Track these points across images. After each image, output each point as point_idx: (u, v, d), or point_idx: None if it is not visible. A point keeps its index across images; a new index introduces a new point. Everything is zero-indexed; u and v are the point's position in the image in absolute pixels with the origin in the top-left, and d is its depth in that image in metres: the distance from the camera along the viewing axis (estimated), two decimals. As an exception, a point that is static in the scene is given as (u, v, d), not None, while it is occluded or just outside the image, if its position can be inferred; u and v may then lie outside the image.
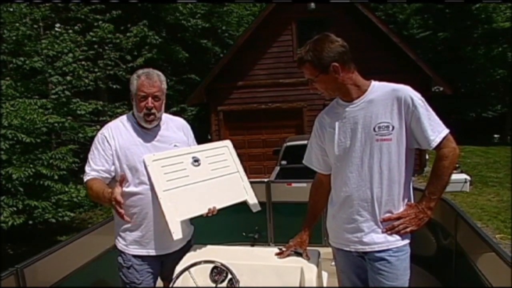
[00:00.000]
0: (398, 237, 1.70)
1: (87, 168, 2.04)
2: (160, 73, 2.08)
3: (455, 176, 9.02)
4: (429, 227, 3.34)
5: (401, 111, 1.66)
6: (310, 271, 1.85)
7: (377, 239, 1.71)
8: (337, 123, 1.76)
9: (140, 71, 2.06)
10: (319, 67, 1.68)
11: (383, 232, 1.70)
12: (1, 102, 6.59)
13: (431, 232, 3.26)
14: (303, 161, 1.97)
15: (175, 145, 2.10)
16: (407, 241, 1.73)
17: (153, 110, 2.01)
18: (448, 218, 2.96)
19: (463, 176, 9.14)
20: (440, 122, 1.69)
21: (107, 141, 2.03)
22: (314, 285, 1.79)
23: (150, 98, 1.99)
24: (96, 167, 2.02)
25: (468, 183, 9.06)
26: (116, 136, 2.05)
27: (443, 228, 3.06)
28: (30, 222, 6.92)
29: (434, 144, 1.66)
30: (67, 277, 2.57)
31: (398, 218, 1.70)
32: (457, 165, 10.10)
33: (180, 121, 2.29)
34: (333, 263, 3.25)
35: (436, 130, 1.66)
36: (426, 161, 10.81)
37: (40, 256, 2.49)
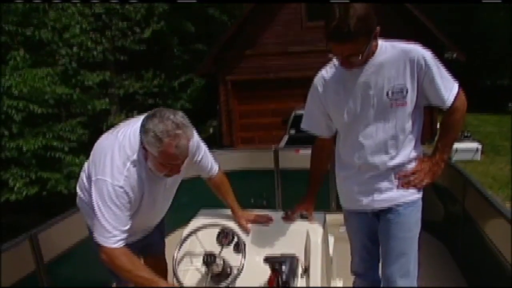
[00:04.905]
0: (412, 191, 1.70)
1: (109, 227, 1.57)
2: (187, 130, 1.53)
3: (466, 145, 8.90)
4: (436, 193, 3.33)
5: (413, 72, 1.59)
6: (316, 234, 1.86)
7: (393, 196, 1.70)
8: (344, 88, 1.66)
9: (162, 130, 1.48)
10: (369, 37, 1.51)
11: (398, 188, 1.70)
12: (9, 74, 6.61)
13: (438, 198, 3.25)
14: (301, 126, 1.90)
15: None
16: (420, 195, 1.73)
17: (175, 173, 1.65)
18: (456, 184, 2.93)
19: (475, 144, 9.02)
20: (450, 77, 1.64)
21: (127, 196, 1.61)
22: (320, 248, 1.80)
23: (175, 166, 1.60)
24: (123, 228, 1.61)
25: (479, 152, 8.95)
26: (132, 189, 1.63)
27: (451, 194, 3.04)
28: (44, 193, 7.11)
29: (449, 103, 1.62)
30: (80, 243, 2.64)
31: (413, 174, 1.69)
32: (468, 134, 9.97)
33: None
34: (341, 229, 3.25)
35: (448, 88, 1.62)
36: (436, 129, 10.67)
37: (53, 222, 2.56)
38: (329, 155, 1.90)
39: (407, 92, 1.60)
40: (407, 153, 1.68)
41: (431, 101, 1.65)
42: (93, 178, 1.61)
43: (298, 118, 7.76)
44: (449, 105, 1.62)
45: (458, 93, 1.64)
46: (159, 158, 1.54)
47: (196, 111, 12.06)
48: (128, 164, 1.59)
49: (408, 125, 1.65)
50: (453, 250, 3.07)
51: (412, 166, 1.71)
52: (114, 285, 2.22)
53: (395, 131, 1.64)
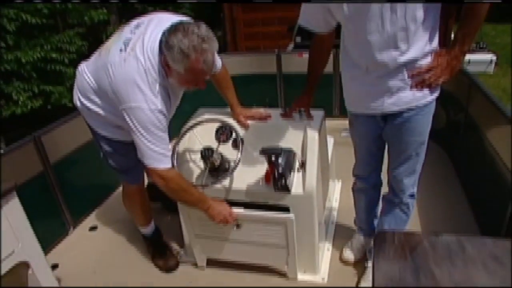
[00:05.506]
0: (426, 92, 1.56)
1: (159, 150, 1.61)
2: (213, 43, 1.49)
3: (479, 56, 8.54)
4: (439, 97, 3.22)
5: None
6: (313, 129, 1.85)
7: (405, 98, 1.55)
8: None
9: (189, 46, 1.43)
10: None
11: (411, 89, 1.54)
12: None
13: (441, 102, 3.17)
14: (299, 22, 1.70)
15: None
16: (435, 96, 1.59)
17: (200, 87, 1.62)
18: (461, 87, 2.84)
19: (489, 56, 8.64)
20: None
21: (165, 116, 1.63)
22: (317, 143, 1.80)
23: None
24: (169, 146, 1.69)
25: (493, 64, 8.61)
26: (166, 107, 1.64)
27: (455, 98, 2.96)
28: (49, 106, 7.16)
29: None
30: (84, 145, 2.70)
31: (428, 71, 1.51)
32: (484, 45, 9.48)
33: None
34: (343, 133, 3.24)
35: None
36: (451, 40, 10.16)
37: (55, 125, 2.59)
38: (328, 51, 1.78)
39: None
40: (420, 46, 1.46)
41: None
42: (123, 106, 1.57)
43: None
44: None
45: None
46: (185, 74, 1.50)
47: (200, 20, 11.50)
48: (157, 86, 1.56)
49: (421, 12, 1.40)
50: (453, 156, 3.08)
51: (427, 61, 1.50)
52: (120, 185, 2.31)
53: (405, 21, 1.40)
